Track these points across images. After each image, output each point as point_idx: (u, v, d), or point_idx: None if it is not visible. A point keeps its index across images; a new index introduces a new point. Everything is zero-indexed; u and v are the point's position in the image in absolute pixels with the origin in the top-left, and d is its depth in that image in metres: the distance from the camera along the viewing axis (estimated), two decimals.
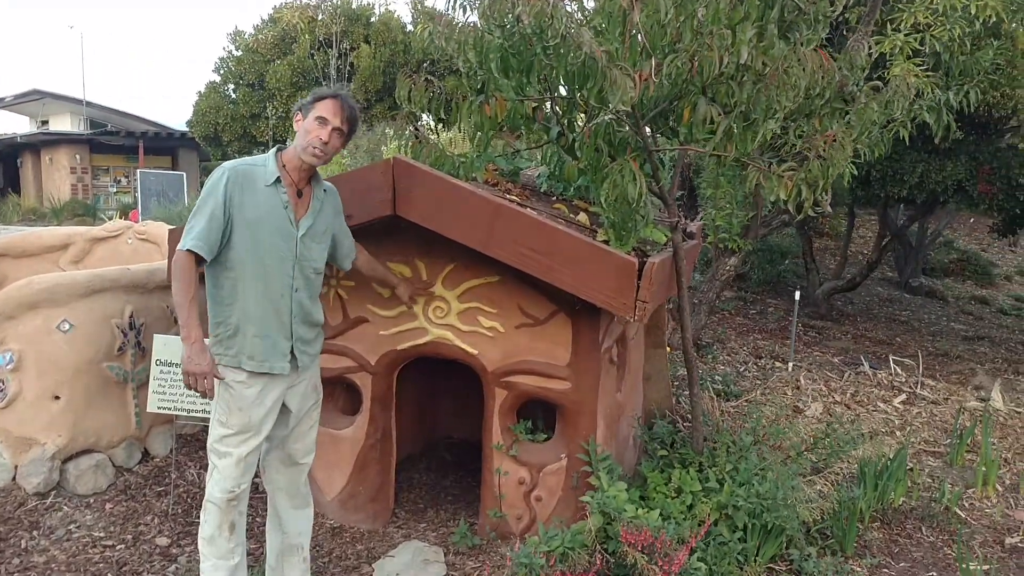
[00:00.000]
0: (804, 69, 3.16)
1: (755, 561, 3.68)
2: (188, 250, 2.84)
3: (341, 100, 3.01)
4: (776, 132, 3.46)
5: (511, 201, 3.62)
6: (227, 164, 2.98)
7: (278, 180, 2.99)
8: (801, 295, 7.87)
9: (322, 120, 2.97)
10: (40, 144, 23.94)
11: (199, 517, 3.90)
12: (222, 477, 3.04)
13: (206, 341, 2.99)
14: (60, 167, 23.21)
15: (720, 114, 3.23)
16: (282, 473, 3.31)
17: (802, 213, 3.39)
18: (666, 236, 4.03)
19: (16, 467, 4.09)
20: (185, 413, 4.00)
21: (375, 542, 3.97)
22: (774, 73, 3.14)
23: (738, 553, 3.61)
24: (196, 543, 3.75)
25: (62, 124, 27.04)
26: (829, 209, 3.66)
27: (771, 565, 3.77)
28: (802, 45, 3.30)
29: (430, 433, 5.37)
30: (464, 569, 3.74)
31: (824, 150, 3.28)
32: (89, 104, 26.65)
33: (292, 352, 3.08)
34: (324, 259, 3.21)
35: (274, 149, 3.07)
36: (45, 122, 28.06)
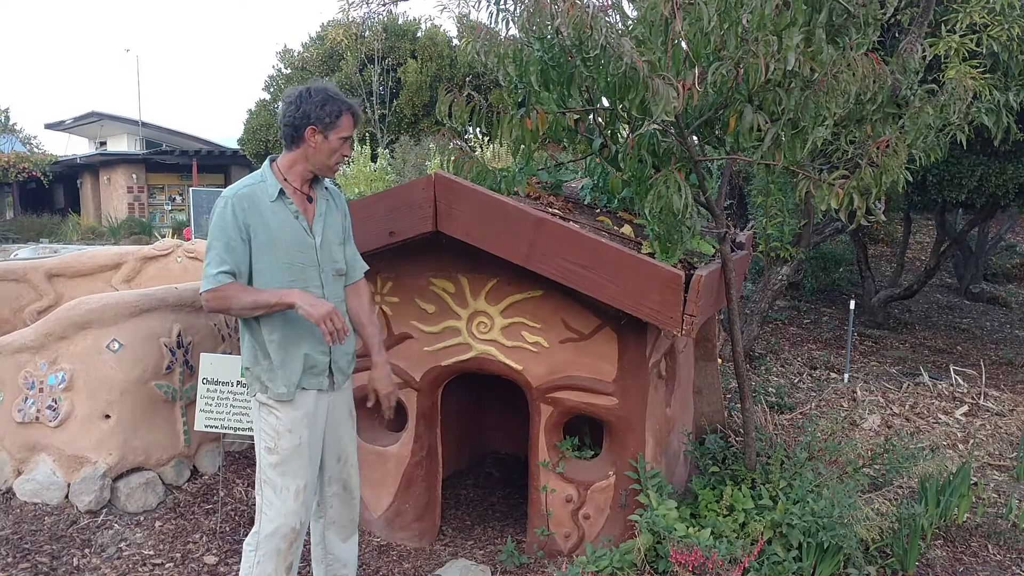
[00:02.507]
0: (854, 74, 3.06)
1: None
2: (227, 280, 2.78)
3: (357, 113, 2.98)
4: (826, 139, 3.37)
5: (553, 214, 3.57)
6: (226, 193, 2.88)
7: (282, 192, 2.92)
8: (856, 304, 7.68)
9: (346, 139, 2.95)
10: (98, 164, 24.61)
11: (245, 535, 3.92)
12: (279, 513, 2.92)
13: (245, 378, 2.98)
14: (117, 186, 23.82)
15: (767, 122, 3.15)
16: (336, 508, 3.24)
17: (855, 222, 3.29)
18: (714, 247, 3.95)
19: (69, 485, 4.15)
20: (232, 431, 4.02)
21: (422, 560, 3.94)
22: (823, 79, 3.06)
23: (793, 573, 3.49)
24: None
25: (119, 145, 27.79)
26: (883, 217, 3.55)
27: None
28: (852, 49, 3.20)
29: (476, 449, 5.34)
30: None
31: (877, 157, 3.18)
32: (145, 124, 27.35)
33: (330, 368, 3.05)
34: (343, 257, 3.13)
35: (267, 162, 3.00)
36: (103, 143, 28.87)
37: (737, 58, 3.04)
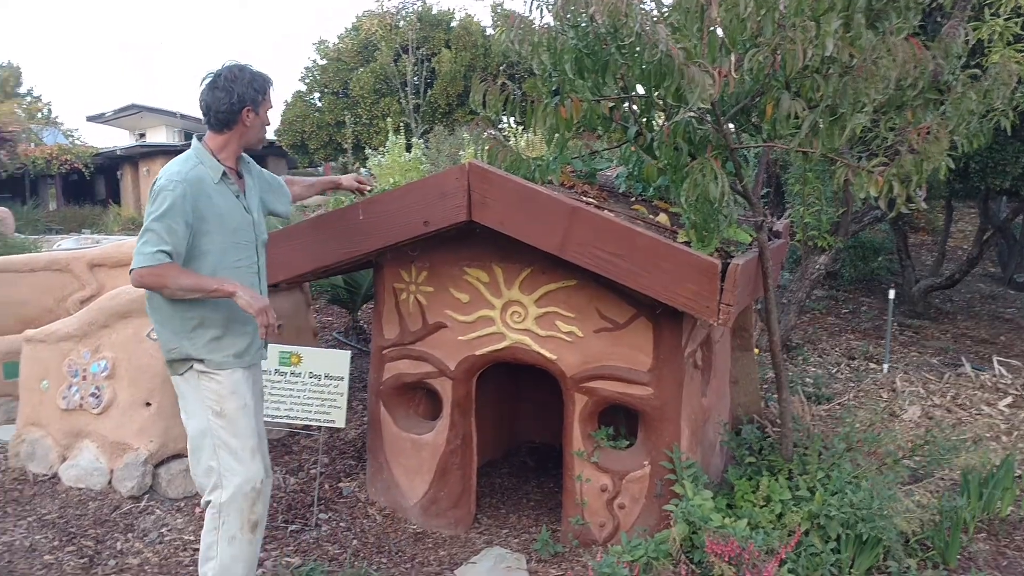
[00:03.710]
0: (894, 59, 3.00)
1: (849, 573, 3.53)
2: (165, 260, 2.77)
3: (272, 82, 3.07)
4: (865, 126, 3.31)
5: (588, 203, 3.56)
6: (175, 175, 2.85)
7: (224, 174, 3.00)
8: (896, 293, 7.56)
9: (269, 109, 3.08)
10: (138, 156, 24.97)
11: (282, 522, 3.98)
12: (238, 474, 2.98)
13: (173, 351, 2.98)
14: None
15: (805, 109, 3.11)
16: None
17: (895, 210, 3.23)
18: (751, 236, 3.91)
19: (112, 471, 4.23)
20: (271, 418, 4.06)
21: (457, 548, 3.96)
22: (862, 65, 3.01)
23: (831, 564, 3.46)
24: (280, 548, 3.82)
25: (158, 136, 28.16)
26: (924, 205, 3.48)
27: None
28: (892, 34, 3.14)
29: (511, 438, 5.35)
30: None
31: (917, 143, 3.12)
32: (183, 116, 27.67)
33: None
34: (265, 227, 3.24)
35: (197, 143, 3.02)
36: (142, 135, 29.27)
37: (774, 44, 2.99)
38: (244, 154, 3.19)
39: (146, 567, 3.65)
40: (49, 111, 36.19)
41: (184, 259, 2.86)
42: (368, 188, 3.77)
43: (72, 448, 4.40)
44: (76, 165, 24.18)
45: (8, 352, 5.55)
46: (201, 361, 2.96)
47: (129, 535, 3.90)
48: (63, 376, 4.40)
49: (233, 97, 2.93)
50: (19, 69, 36.70)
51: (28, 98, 36.32)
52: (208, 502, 3.06)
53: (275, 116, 20.75)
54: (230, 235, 2.98)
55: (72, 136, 29.98)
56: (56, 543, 3.83)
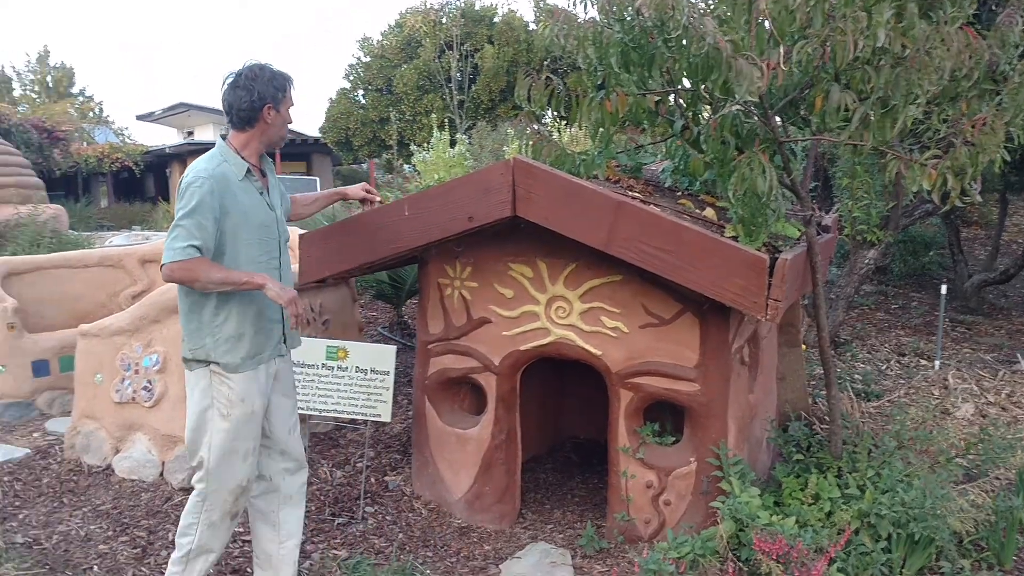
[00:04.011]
0: (948, 49, 2.94)
1: (901, 573, 3.47)
2: (195, 255, 2.82)
3: (292, 80, 3.11)
4: (918, 118, 3.24)
5: (634, 198, 3.54)
6: (202, 172, 2.91)
7: (248, 171, 3.04)
8: (948, 288, 7.40)
9: (290, 107, 3.12)
10: (186, 154, 25.34)
11: (329, 515, 4.01)
12: (227, 472, 3.06)
13: (197, 350, 3.02)
14: None
15: (855, 101, 3.06)
16: (288, 481, 3.35)
17: (948, 203, 3.17)
18: (799, 230, 3.86)
19: (163, 463, 4.32)
20: (318, 412, 4.11)
21: (502, 543, 3.97)
22: (915, 55, 2.94)
23: (882, 564, 3.41)
24: (327, 541, 3.86)
25: (206, 134, 28.57)
26: (978, 198, 3.40)
27: None
28: (946, 23, 3.07)
29: (555, 433, 5.35)
30: (591, 573, 3.69)
31: (972, 135, 3.05)
32: None
33: (283, 332, 3.20)
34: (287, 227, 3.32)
35: (222, 141, 3.07)
36: (191, 133, 29.74)
37: (824, 35, 2.95)
38: (266, 155, 3.24)
39: None
40: (100, 110, 37.02)
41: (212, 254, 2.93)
42: (377, 199, 3.76)
43: (125, 440, 4.50)
44: (126, 163, 24.65)
45: (63, 346, 5.69)
46: (217, 363, 3.01)
47: None
48: (116, 370, 4.50)
49: (254, 95, 2.97)
50: (72, 70, 37.58)
51: (80, 98, 37.16)
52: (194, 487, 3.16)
53: (319, 114, 20.91)
54: (254, 231, 3.04)
55: (122, 135, 30.58)
56: (110, 533, 3.91)
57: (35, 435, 5.21)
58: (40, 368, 5.65)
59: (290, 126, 3.24)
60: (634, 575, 3.45)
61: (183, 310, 3.04)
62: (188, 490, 4.21)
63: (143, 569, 3.61)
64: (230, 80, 3.02)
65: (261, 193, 3.09)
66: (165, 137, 32.81)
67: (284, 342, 3.22)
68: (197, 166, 2.95)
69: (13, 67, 44.35)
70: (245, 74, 3.00)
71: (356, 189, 3.74)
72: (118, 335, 4.51)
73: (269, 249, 3.11)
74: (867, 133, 3.19)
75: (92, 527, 3.97)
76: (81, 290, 6.30)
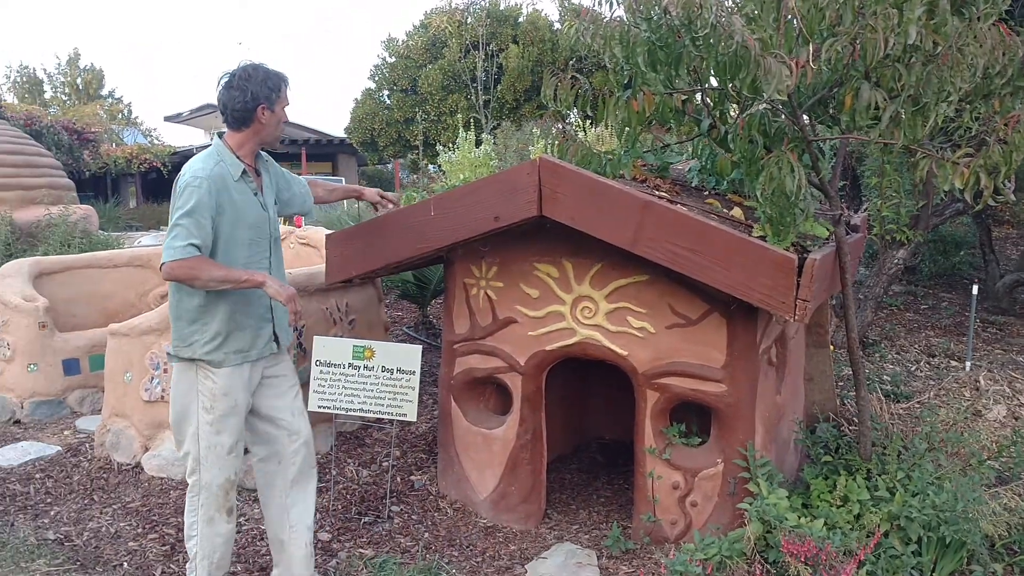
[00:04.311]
0: (981, 46, 2.90)
1: None
2: (195, 253, 2.88)
3: (288, 81, 3.15)
4: (949, 116, 3.20)
5: (660, 197, 3.52)
6: (199, 172, 2.96)
7: (244, 172, 3.09)
8: (979, 288, 7.30)
9: (285, 107, 3.15)
10: None
11: (356, 514, 4.03)
12: (214, 466, 3.13)
13: (184, 349, 3.08)
14: None
15: (886, 99, 3.02)
16: (298, 463, 3.36)
17: (981, 202, 3.12)
18: (828, 230, 3.82)
19: None
20: (344, 411, 4.13)
21: (527, 543, 3.97)
22: (947, 53, 2.91)
23: (912, 568, 3.37)
24: (353, 539, 3.88)
25: None
26: (1012, 197, 3.36)
27: None
28: (979, 20, 3.03)
29: (580, 434, 5.34)
30: (617, 574, 3.68)
31: (1006, 133, 3.01)
32: None
33: (274, 332, 3.23)
34: (276, 220, 3.34)
35: (218, 141, 3.12)
36: (221, 134, 29.93)
37: (854, 33, 2.92)
38: (263, 152, 3.29)
39: None
40: (129, 112, 37.46)
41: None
42: (390, 205, 3.83)
43: (154, 439, 4.55)
44: (155, 164, 24.94)
45: (93, 345, 5.77)
46: (202, 360, 3.07)
47: None
48: (145, 368, 4.54)
49: (247, 95, 3.01)
50: (102, 72, 38.08)
51: (110, 100, 37.62)
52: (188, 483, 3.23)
53: (344, 114, 21.03)
54: (247, 231, 3.09)
55: (151, 136, 30.93)
56: (139, 530, 3.95)
57: (66, 433, 5.28)
58: (71, 367, 5.72)
59: (290, 122, 3.30)
60: None
61: (171, 306, 3.12)
62: None
63: (172, 566, 3.64)
64: (224, 80, 3.06)
65: (255, 194, 3.14)
66: (192, 138, 33.13)
67: (276, 340, 3.26)
68: (194, 165, 3.01)
69: (44, 69, 45.06)
70: (239, 74, 3.03)
71: (372, 192, 3.81)
72: (147, 334, 4.55)
73: (261, 248, 3.17)
74: (897, 132, 3.16)
75: (122, 524, 4.01)
76: (111, 289, 6.38)
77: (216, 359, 3.06)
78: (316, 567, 3.53)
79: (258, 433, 3.34)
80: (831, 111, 3.63)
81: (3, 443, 5.09)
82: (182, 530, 3.90)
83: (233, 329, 3.07)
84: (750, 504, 3.42)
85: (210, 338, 3.04)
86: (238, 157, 3.10)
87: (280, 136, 3.21)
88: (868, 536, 3.36)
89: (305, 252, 6.44)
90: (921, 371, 6.77)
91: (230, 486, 3.21)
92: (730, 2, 3.31)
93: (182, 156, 26.21)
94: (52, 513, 4.13)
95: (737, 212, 3.82)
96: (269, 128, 3.11)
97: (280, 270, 3.32)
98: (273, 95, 3.05)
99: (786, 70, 2.82)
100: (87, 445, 4.97)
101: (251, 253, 3.11)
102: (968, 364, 6.77)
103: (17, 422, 5.50)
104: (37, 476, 4.56)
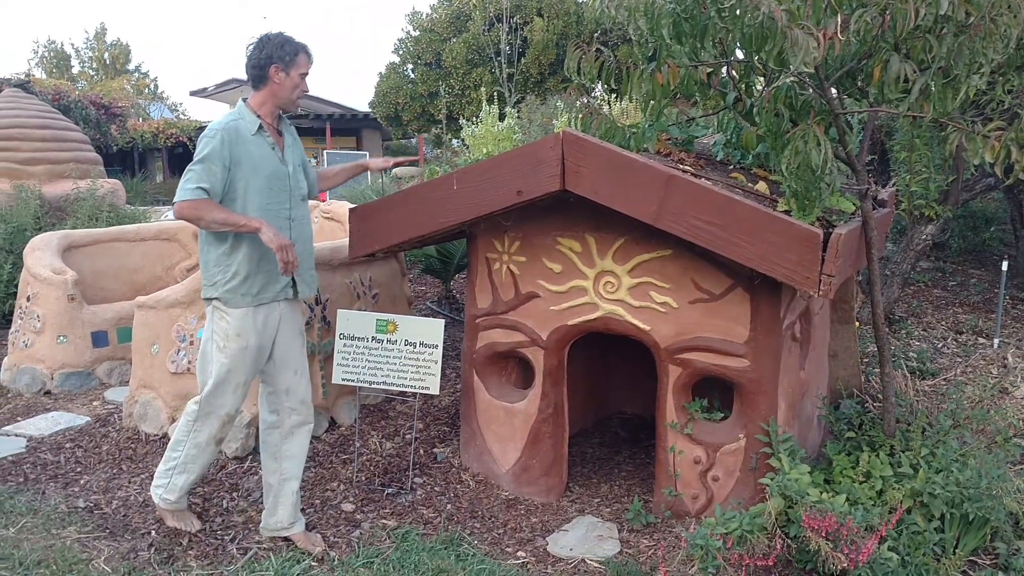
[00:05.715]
0: (1015, 16, 2.84)
1: (954, 553, 3.41)
2: (202, 195, 3.16)
3: (310, 53, 3.39)
4: (981, 88, 3.14)
5: (684, 171, 3.50)
6: (216, 125, 3.24)
7: (260, 127, 3.34)
8: (1009, 265, 7.20)
9: (304, 74, 3.37)
10: None
11: (379, 485, 4.07)
12: (218, 400, 3.42)
13: (209, 288, 3.37)
14: None
15: (915, 71, 2.97)
16: (292, 418, 3.61)
17: (1012, 176, 3.07)
18: (854, 205, 3.78)
19: None
20: (368, 384, 4.16)
21: (549, 515, 4.00)
22: (979, 23, 2.85)
23: (934, 544, 3.36)
24: (377, 510, 3.92)
25: None
26: None
27: (972, 558, 3.49)
28: None
29: (602, 408, 5.34)
30: (638, 547, 3.70)
31: None
32: None
33: (292, 280, 3.47)
34: (307, 183, 3.61)
35: (241, 103, 3.38)
36: (246, 99, 30.00)
37: (883, 4, 2.87)
38: (286, 119, 3.54)
39: (250, 525, 3.80)
40: (156, 86, 37.61)
41: (222, 199, 3.23)
42: (391, 163, 4.16)
43: (181, 410, 4.59)
44: (181, 138, 25.04)
45: (121, 317, 5.84)
46: (218, 299, 3.34)
47: (234, 494, 4.06)
48: (172, 341, 4.59)
49: (262, 54, 3.29)
50: (128, 47, 38.23)
51: (136, 74, 37.80)
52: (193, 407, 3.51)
53: (369, 89, 20.97)
54: (264, 180, 3.32)
55: (177, 110, 31.05)
56: None
57: (95, 404, 5.36)
58: (99, 339, 5.80)
59: (306, 93, 3.47)
60: (681, 550, 3.45)
61: (201, 254, 3.43)
62: (241, 459, 4.33)
63: (198, 534, 3.70)
64: (248, 43, 3.35)
65: (273, 148, 3.38)
66: (218, 112, 33.23)
67: (293, 286, 3.49)
68: (215, 122, 3.31)
69: (72, 44, 45.35)
70: (261, 37, 3.33)
71: (377, 161, 4.13)
72: (174, 307, 4.60)
73: (280, 200, 3.40)
74: (927, 104, 3.11)
75: (149, 493, 4.07)
76: (138, 263, 6.45)
77: (231, 299, 3.32)
78: (341, 537, 3.60)
79: (264, 380, 3.60)
80: (859, 83, 3.58)
81: (34, 413, 5.19)
82: (208, 499, 3.99)
83: (252, 272, 3.33)
84: (772, 479, 3.42)
85: (229, 278, 3.31)
86: (257, 115, 3.35)
87: (296, 101, 3.43)
88: (890, 512, 3.35)
89: (329, 226, 6.47)
90: (948, 348, 6.70)
91: (228, 420, 3.51)
92: None
93: None
94: (82, 482, 4.21)
95: (762, 186, 3.78)
96: (284, 89, 3.34)
97: (304, 228, 3.55)
98: (287, 57, 3.29)
99: (813, 42, 2.78)
100: (116, 416, 5.04)
101: (268, 202, 3.34)
102: (996, 341, 6.70)
103: (47, 393, 5.59)
104: (67, 446, 4.64)
